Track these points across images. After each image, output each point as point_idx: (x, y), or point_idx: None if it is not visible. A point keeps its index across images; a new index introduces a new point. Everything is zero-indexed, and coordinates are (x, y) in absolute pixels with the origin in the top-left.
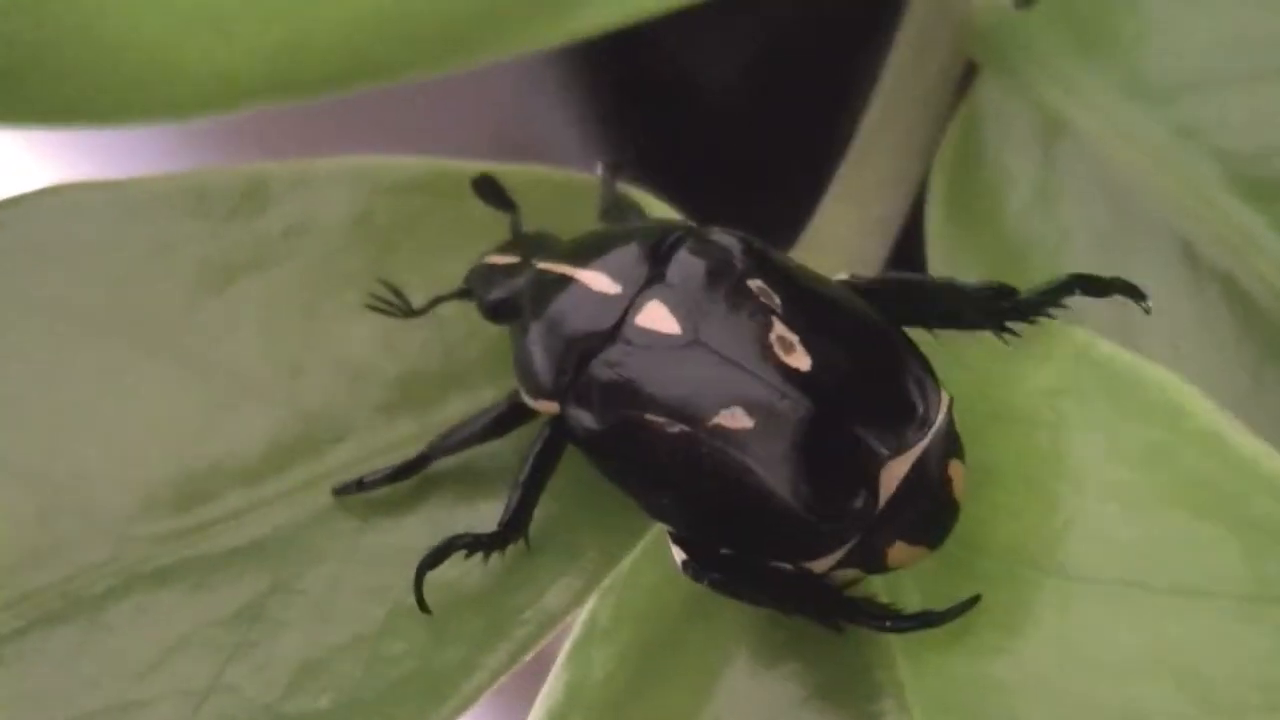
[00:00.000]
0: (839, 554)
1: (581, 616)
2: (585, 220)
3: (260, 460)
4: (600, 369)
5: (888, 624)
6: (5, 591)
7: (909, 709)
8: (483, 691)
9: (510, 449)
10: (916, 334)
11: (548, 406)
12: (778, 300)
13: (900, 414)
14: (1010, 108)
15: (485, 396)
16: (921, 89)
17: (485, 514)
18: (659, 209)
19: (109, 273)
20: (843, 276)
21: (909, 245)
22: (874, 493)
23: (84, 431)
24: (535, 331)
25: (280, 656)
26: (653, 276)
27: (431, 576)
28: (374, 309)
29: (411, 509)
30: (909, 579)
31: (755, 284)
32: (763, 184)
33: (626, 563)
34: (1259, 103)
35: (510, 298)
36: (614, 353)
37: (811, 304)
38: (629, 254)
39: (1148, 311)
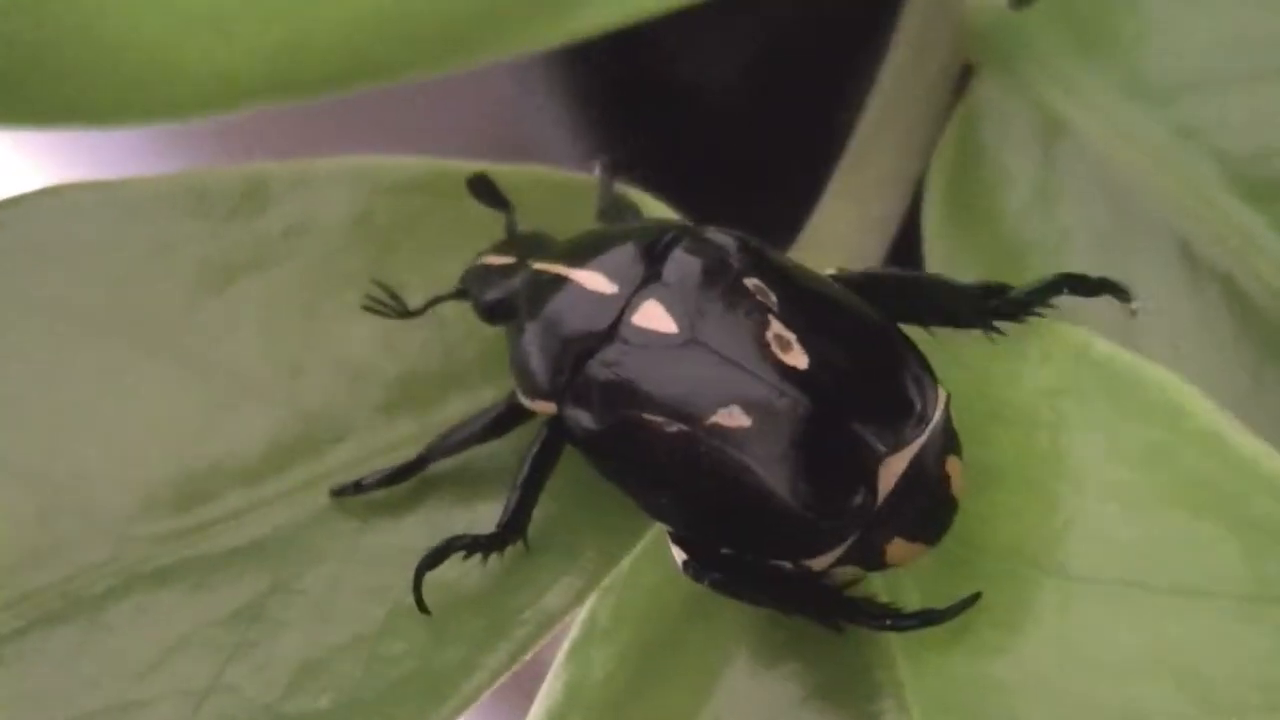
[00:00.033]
0: (838, 551)
1: (580, 616)
2: (583, 220)
3: (260, 460)
4: (597, 369)
5: (888, 623)
6: (5, 591)
7: (908, 709)
8: (483, 691)
9: (510, 448)
10: (915, 332)
11: (545, 407)
12: (774, 298)
13: (898, 411)
14: (1009, 107)
15: (485, 396)
16: (920, 88)
17: (484, 514)
18: (657, 209)
19: (109, 273)
20: (830, 271)
21: (908, 245)
22: (872, 490)
23: (84, 431)
24: (531, 332)
25: (280, 656)
26: (649, 276)
27: (431, 577)
28: (371, 310)
29: (411, 509)
30: (909, 579)
31: (751, 282)
32: (761, 183)
33: (626, 563)
34: (1259, 102)
35: (506, 298)
36: (611, 353)
37: (808, 302)
38: (625, 254)
39: (1133, 313)
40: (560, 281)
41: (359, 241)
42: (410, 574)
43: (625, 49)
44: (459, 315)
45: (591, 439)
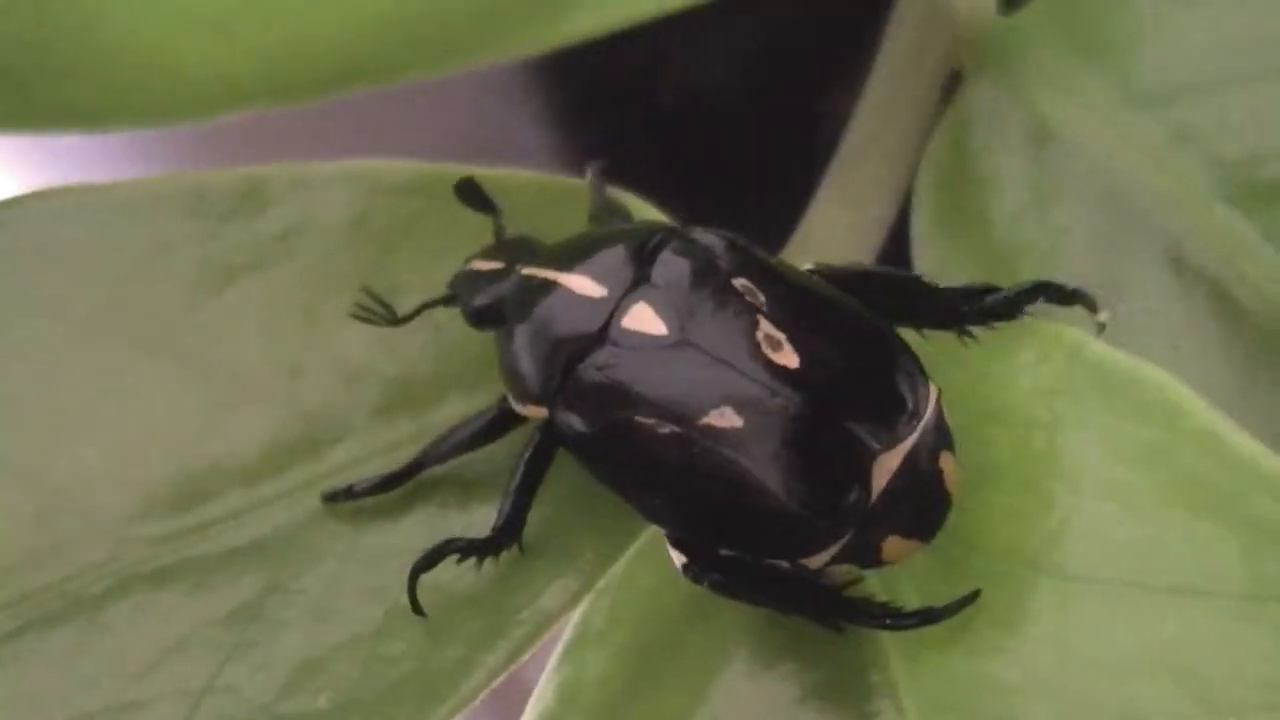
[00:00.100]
0: (833, 550)
1: (574, 619)
2: (574, 224)
3: (259, 460)
4: (589, 372)
5: (888, 621)
6: (4, 592)
7: (905, 709)
8: (480, 692)
9: (508, 449)
10: (910, 330)
11: (537, 412)
12: (763, 298)
13: (890, 408)
14: (1001, 110)
15: (483, 398)
16: (912, 92)
17: (481, 516)
18: (649, 212)
19: (108, 273)
20: (809, 266)
21: (900, 247)
22: (866, 487)
23: (84, 431)
24: (522, 336)
25: (279, 656)
26: (637, 278)
27: (427, 578)
28: (360, 318)
29: (409, 509)
30: (906, 580)
31: (740, 283)
32: (754, 186)
33: (621, 565)
34: (1256, 104)
35: (495, 303)
36: (602, 355)
37: (797, 301)
38: (613, 257)
39: (1102, 327)
40: (549, 286)
41: (357, 243)
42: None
43: (618, 52)
44: (457, 317)
45: (584, 442)
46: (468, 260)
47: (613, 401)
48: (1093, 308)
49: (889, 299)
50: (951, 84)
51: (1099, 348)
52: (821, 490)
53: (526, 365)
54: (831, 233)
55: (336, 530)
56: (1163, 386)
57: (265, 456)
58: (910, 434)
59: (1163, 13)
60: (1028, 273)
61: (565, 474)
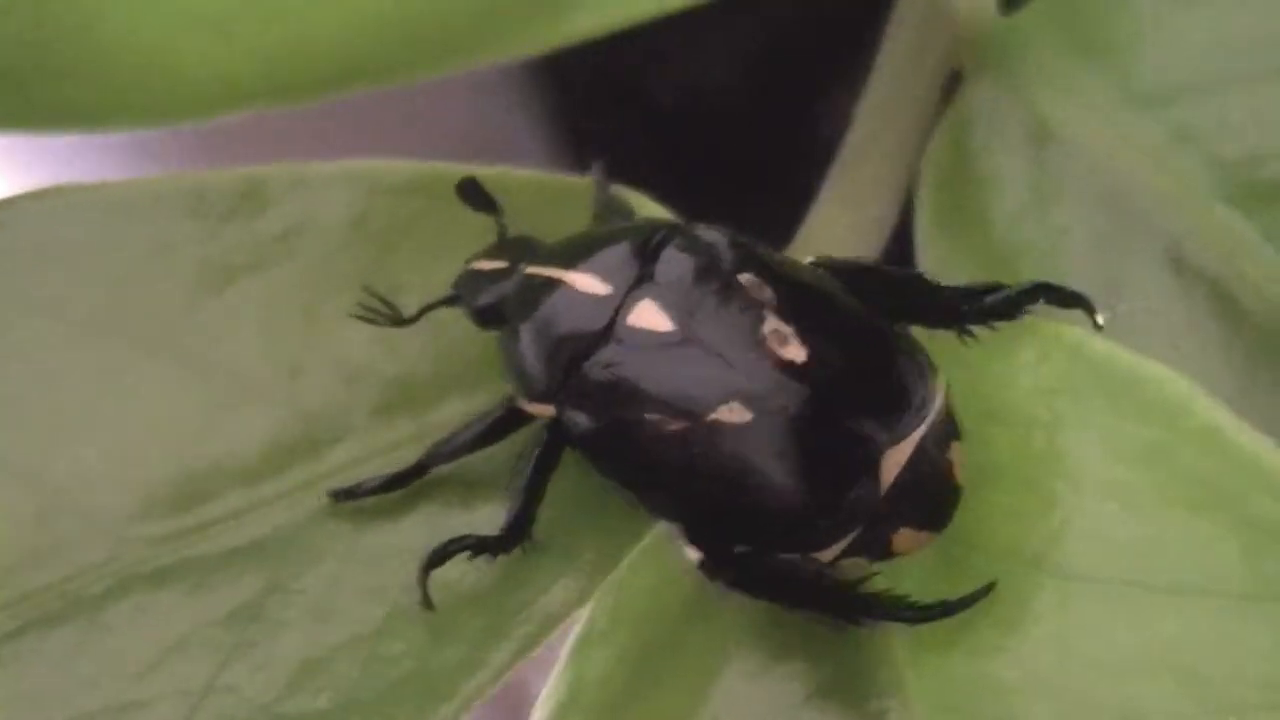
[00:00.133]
0: (844, 543)
1: (581, 618)
2: (576, 223)
3: (259, 460)
4: (595, 370)
5: (907, 615)
6: (4, 592)
7: (909, 708)
8: (482, 692)
9: (509, 449)
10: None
11: (544, 410)
12: (769, 294)
13: (898, 401)
14: (1001, 110)
15: (483, 398)
16: (913, 90)
17: (484, 515)
18: (652, 210)
19: (108, 273)
20: (809, 259)
21: (903, 247)
22: (875, 480)
23: (84, 431)
24: (528, 335)
25: (279, 656)
26: (642, 275)
27: (430, 576)
28: (363, 319)
29: (410, 509)
30: (907, 580)
31: (745, 278)
32: (756, 185)
33: (625, 564)
34: (1256, 104)
35: (498, 303)
36: (607, 353)
37: (802, 296)
38: (617, 254)
39: (1099, 328)
40: (553, 284)
41: (357, 243)
42: (409, 574)
43: (618, 52)
44: (457, 317)
45: (592, 440)
46: (470, 260)
47: (619, 399)
48: (1091, 311)
49: (889, 297)
50: (951, 84)
51: (1099, 346)
52: (830, 484)
53: (533, 364)
54: (832, 233)
55: (337, 530)
56: (1164, 385)
57: (265, 456)
58: (918, 426)
59: (1163, 13)
60: (1028, 273)
61: (569, 473)
